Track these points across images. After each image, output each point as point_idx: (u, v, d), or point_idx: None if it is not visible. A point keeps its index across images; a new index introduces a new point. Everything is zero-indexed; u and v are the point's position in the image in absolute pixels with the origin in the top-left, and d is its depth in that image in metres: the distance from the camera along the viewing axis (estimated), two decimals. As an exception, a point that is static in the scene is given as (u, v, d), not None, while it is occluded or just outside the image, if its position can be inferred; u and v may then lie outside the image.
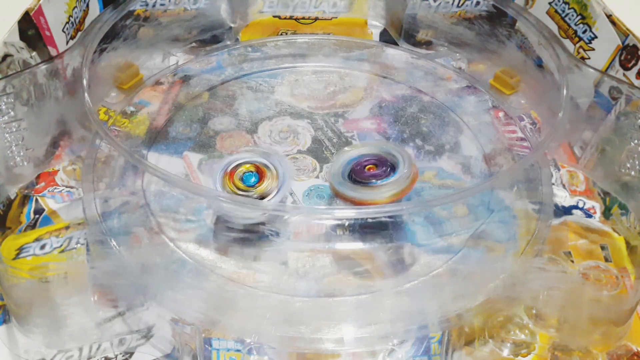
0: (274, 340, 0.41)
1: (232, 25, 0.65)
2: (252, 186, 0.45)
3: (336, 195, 0.47)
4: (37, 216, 0.49)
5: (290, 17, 0.67)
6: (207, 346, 0.40)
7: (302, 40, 0.66)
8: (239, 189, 0.45)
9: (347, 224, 0.47)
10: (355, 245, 0.48)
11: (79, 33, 0.54)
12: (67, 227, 0.47)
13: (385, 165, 0.47)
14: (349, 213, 0.45)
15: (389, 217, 0.48)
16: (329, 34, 0.67)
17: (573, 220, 0.50)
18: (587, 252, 0.48)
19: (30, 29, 0.49)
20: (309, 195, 0.51)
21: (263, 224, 0.46)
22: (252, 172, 0.45)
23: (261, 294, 0.43)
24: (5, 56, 0.47)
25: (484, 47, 0.62)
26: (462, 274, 0.45)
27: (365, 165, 0.47)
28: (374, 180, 0.46)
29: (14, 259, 0.44)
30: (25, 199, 0.50)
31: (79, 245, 0.45)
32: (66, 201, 0.50)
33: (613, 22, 0.51)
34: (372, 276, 0.45)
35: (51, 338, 0.42)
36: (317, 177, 0.52)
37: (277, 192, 0.45)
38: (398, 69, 0.63)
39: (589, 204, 0.51)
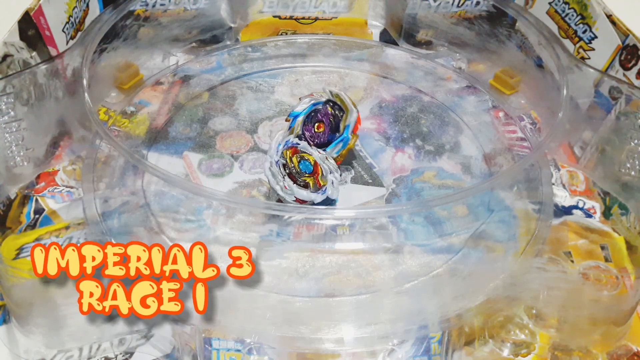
0: (274, 340, 0.41)
1: (232, 25, 0.65)
2: (306, 173, 0.47)
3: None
4: (37, 216, 0.49)
5: (290, 17, 0.67)
6: (207, 346, 0.40)
7: (302, 40, 0.66)
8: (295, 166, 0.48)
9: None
10: (354, 246, 0.48)
11: (79, 33, 0.54)
12: (67, 227, 0.47)
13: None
14: (349, 213, 0.45)
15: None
16: (329, 34, 0.67)
17: (573, 220, 0.50)
18: (587, 252, 0.48)
19: (30, 29, 0.49)
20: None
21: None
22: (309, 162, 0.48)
23: (261, 294, 0.43)
24: (5, 56, 0.47)
25: (484, 47, 0.62)
26: (462, 274, 0.45)
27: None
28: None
29: (14, 259, 0.44)
30: (25, 199, 0.50)
31: (79, 245, 0.45)
32: (66, 201, 0.50)
33: (613, 22, 0.51)
34: (372, 276, 0.45)
35: (51, 338, 0.42)
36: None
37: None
38: (398, 69, 0.63)
39: (589, 204, 0.51)
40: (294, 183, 0.47)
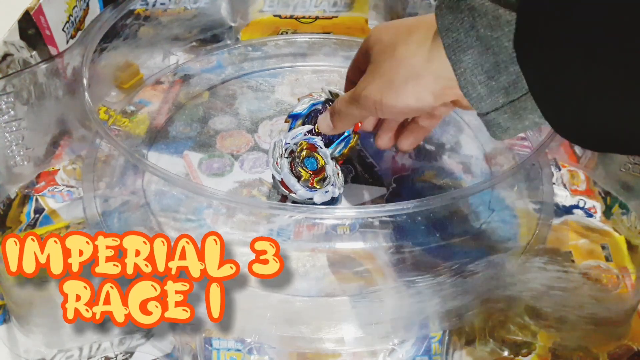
0: (275, 339, 0.41)
1: (233, 24, 0.65)
2: (307, 169, 0.47)
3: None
4: (37, 216, 0.49)
5: (291, 16, 0.67)
6: (207, 346, 0.40)
7: (303, 39, 0.66)
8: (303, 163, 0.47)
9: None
10: (355, 245, 0.48)
11: (79, 32, 0.54)
12: (67, 227, 0.47)
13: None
14: (349, 213, 0.45)
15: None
16: (329, 33, 0.67)
17: (574, 220, 0.50)
18: (588, 252, 0.48)
19: (31, 28, 0.49)
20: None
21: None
22: (315, 159, 0.48)
23: (261, 293, 0.43)
24: (5, 55, 0.47)
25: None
26: (463, 273, 0.45)
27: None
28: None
29: (14, 258, 0.44)
30: (25, 198, 0.50)
31: (79, 244, 0.45)
32: (66, 200, 0.50)
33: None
34: (372, 276, 0.45)
35: (51, 338, 0.42)
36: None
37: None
38: (398, 68, 0.63)
39: (589, 203, 0.51)
40: (289, 167, 0.47)
